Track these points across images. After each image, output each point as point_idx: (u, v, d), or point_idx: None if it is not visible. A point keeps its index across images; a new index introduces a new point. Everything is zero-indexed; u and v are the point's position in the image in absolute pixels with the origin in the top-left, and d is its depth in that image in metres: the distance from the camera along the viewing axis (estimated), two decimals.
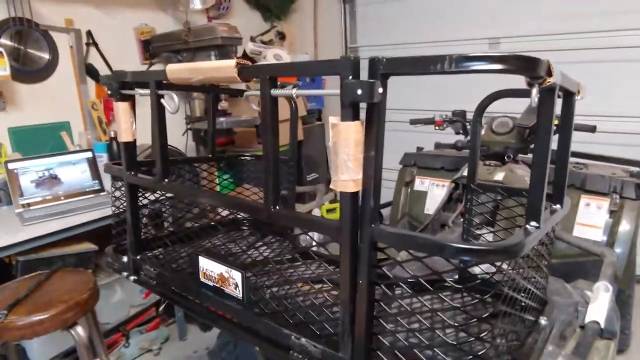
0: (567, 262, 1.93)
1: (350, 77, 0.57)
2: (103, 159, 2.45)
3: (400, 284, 0.68)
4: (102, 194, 2.31)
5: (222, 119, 2.62)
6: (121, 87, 0.96)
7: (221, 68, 0.70)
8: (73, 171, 2.31)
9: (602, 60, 2.79)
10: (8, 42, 2.34)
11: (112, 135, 2.51)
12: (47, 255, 2.03)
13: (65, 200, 2.24)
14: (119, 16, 2.80)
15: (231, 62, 0.68)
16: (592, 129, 1.84)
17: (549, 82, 0.57)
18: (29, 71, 2.44)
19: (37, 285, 1.67)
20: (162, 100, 0.87)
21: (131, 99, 0.98)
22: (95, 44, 2.69)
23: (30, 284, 1.67)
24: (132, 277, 1.06)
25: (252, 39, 3.35)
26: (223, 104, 2.67)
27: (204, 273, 0.88)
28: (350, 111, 0.58)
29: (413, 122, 2.28)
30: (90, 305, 1.68)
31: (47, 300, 1.59)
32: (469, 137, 2.22)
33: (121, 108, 0.96)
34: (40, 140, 2.47)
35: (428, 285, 0.64)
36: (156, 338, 2.47)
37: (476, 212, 1.21)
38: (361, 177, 0.59)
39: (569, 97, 0.81)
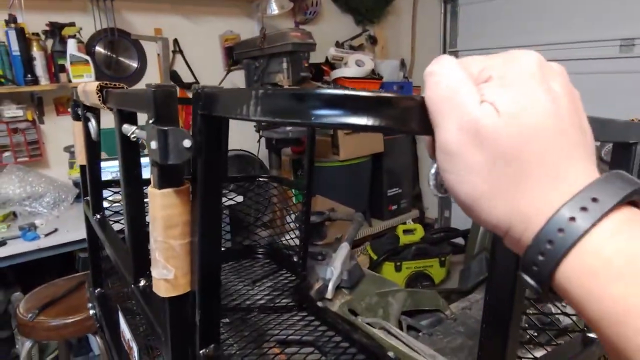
0: None
1: (152, 121, 0.37)
2: None
3: None
4: None
5: (288, 128, 2.51)
6: (76, 105, 0.87)
7: (91, 93, 0.55)
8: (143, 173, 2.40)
9: None
10: (102, 51, 2.53)
11: None
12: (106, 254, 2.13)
13: None
14: (206, 24, 2.86)
15: (94, 86, 0.53)
16: None
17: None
18: (119, 78, 2.61)
19: (76, 286, 1.73)
20: (89, 124, 0.75)
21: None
22: (181, 52, 2.79)
23: (70, 285, 1.73)
24: (91, 312, 0.97)
25: (338, 44, 3.19)
26: None
27: (122, 334, 0.74)
28: (155, 172, 0.37)
29: None
30: None
31: (78, 303, 1.63)
32: None
33: (76, 128, 0.87)
34: None
35: None
36: None
37: None
38: (174, 276, 0.38)
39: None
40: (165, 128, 0.34)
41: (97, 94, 0.53)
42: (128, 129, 0.46)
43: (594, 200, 0.22)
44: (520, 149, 0.23)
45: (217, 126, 0.37)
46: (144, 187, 0.53)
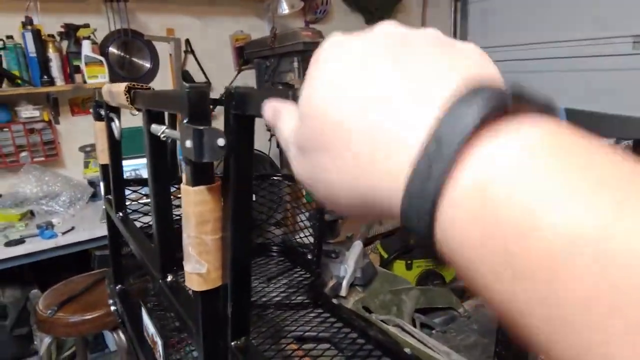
0: None
1: (186, 120, 0.38)
2: None
3: None
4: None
5: None
6: (98, 105, 0.89)
7: (118, 94, 0.56)
8: None
9: None
10: (116, 52, 2.56)
11: None
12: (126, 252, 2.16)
13: (147, 199, 2.37)
14: (217, 24, 2.88)
15: (121, 87, 0.54)
16: None
17: None
18: (132, 78, 2.64)
19: (93, 283, 1.76)
20: (113, 124, 0.77)
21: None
22: (193, 52, 2.82)
23: (88, 282, 1.76)
24: (112, 308, 0.99)
25: None
26: None
27: (146, 330, 0.76)
28: (189, 170, 0.39)
29: None
30: None
31: (96, 300, 1.66)
32: None
33: (97, 128, 0.89)
34: (135, 142, 2.66)
35: None
36: None
37: None
38: (207, 270, 0.40)
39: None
40: (201, 127, 0.36)
41: (125, 94, 0.54)
42: (157, 128, 0.48)
43: (437, 141, 0.16)
44: (319, 136, 0.21)
45: (249, 125, 0.38)
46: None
